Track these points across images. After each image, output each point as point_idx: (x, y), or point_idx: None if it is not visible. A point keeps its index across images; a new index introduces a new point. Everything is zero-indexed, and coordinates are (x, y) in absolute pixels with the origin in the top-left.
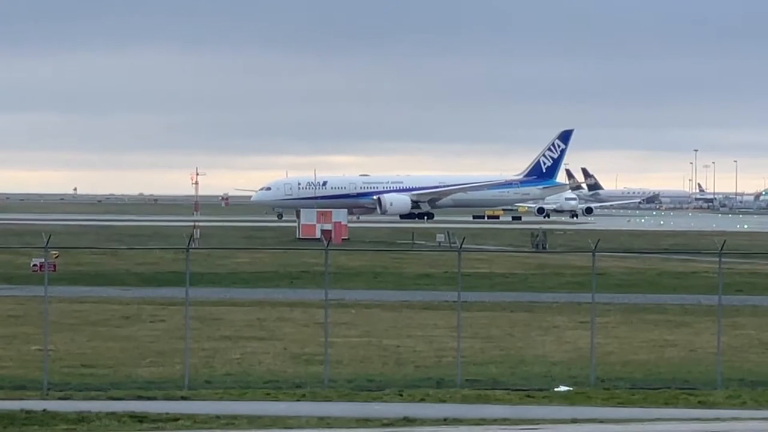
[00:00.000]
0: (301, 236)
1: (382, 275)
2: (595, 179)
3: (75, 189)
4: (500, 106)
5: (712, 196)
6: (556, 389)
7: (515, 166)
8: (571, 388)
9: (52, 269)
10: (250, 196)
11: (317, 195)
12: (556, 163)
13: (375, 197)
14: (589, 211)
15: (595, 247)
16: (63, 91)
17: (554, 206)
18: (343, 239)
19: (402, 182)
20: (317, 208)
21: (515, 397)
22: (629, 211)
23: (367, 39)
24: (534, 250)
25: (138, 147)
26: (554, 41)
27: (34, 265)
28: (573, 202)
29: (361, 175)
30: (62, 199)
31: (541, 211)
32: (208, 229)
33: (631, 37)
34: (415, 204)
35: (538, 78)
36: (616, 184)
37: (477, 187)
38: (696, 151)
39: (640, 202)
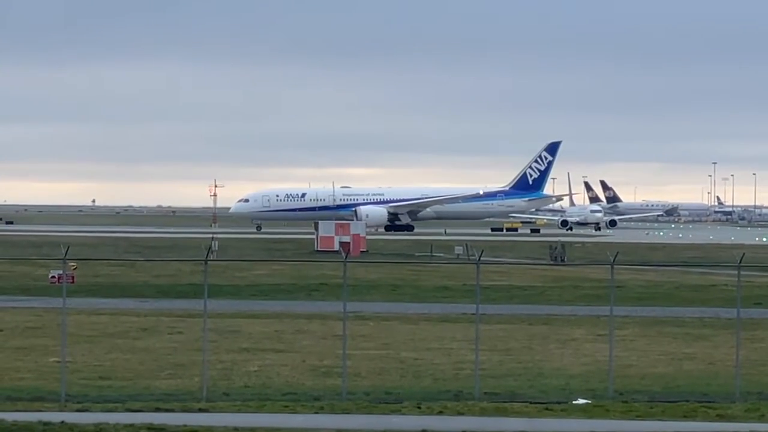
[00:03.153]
0: (319, 248)
1: (400, 287)
2: (613, 192)
3: (93, 201)
4: (519, 118)
5: (730, 209)
6: (574, 402)
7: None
8: (590, 401)
9: (71, 281)
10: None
11: (295, 207)
12: (543, 175)
13: (354, 209)
14: (612, 223)
15: (614, 260)
16: (81, 102)
17: (578, 218)
18: (361, 251)
19: (383, 194)
20: (296, 219)
21: (533, 409)
22: (648, 224)
23: (386, 51)
24: (552, 262)
25: (157, 159)
26: (572, 53)
27: (53, 277)
28: (598, 215)
29: (343, 187)
30: (81, 210)
31: (564, 223)
32: (226, 241)
33: (649, 49)
34: (394, 216)
35: (555, 90)
36: (634, 196)
37: (453, 199)
38: (715, 163)
39: (659, 215)
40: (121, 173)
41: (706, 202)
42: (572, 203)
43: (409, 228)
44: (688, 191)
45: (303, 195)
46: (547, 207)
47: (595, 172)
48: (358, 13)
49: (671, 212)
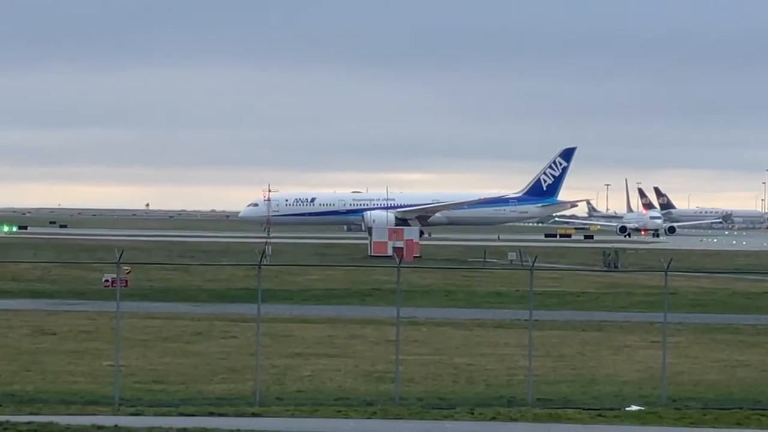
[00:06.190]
0: (372, 254)
1: (453, 293)
2: (667, 198)
3: (147, 205)
4: (570, 124)
5: None
6: (627, 408)
7: (581, 184)
8: (643, 408)
9: (124, 285)
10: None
11: (305, 212)
12: (558, 181)
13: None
14: (671, 230)
15: (668, 266)
16: (136, 107)
17: (636, 225)
18: (414, 257)
19: (394, 199)
20: (305, 224)
21: (586, 416)
22: (702, 231)
23: (439, 57)
24: (606, 269)
25: (210, 163)
26: (625, 60)
27: (106, 281)
28: (658, 221)
29: (353, 192)
30: (134, 214)
31: (623, 230)
32: (279, 246)
33: (704, 55)
34: (403, 221)
35: (609, 97)
36: (688, 203)
37: (458, 204)
38: None
39: (713, 223)
40: (175, 177)
41: (760, 209)
42: (630, 209)
43: (419, 233)
44: (742, 198)
45: (312, 200)
46: (601, 214)
47: (649, 178)
48: (410, 19)
49: (727, 219)
